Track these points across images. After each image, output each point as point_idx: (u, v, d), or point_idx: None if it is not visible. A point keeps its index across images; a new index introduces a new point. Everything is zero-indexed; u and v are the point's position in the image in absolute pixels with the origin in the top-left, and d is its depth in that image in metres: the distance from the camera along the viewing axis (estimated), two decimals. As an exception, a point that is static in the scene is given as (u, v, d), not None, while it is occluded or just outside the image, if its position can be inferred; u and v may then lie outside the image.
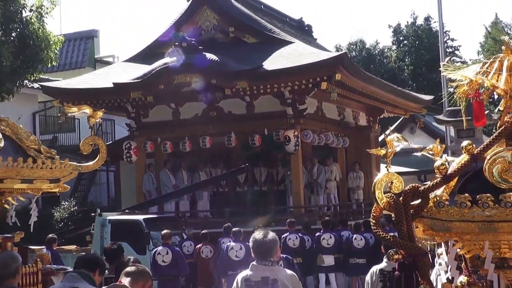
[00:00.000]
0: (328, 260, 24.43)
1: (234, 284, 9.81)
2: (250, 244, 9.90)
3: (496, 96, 6.53)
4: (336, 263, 24.17)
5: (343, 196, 36.54)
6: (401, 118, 43.63)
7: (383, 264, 12.41)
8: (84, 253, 8.93)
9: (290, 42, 33.24)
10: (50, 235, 22.26)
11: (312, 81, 30.21)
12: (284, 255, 13.60)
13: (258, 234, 9.68)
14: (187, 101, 32.72)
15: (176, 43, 31.80)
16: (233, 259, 22.14)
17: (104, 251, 13.24)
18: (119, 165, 36.76)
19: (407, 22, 79.04)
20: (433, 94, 43.56)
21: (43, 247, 18.61)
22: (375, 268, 12.65)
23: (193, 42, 31.53)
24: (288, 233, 24.45)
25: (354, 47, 74.98)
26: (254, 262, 9.56)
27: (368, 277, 12.75)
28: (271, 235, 9.70)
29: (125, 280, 7.63)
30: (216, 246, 24.50)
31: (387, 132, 6.73)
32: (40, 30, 25.36)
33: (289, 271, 9.95)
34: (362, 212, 32.45)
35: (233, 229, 23.86)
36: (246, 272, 9.58)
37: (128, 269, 7.92)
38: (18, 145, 9.85)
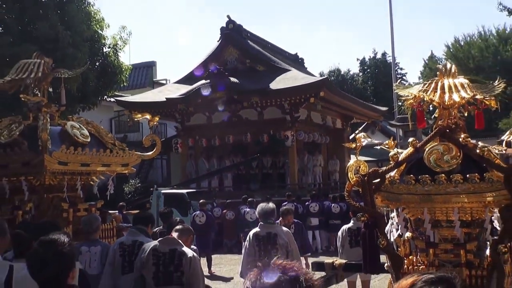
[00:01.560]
0: (314, 221, 24.41)
1: (248, 237, 9.96)
2: (257, 210, 10.15)
3: (431, 108, 6.49)
4: (320, 224, 24.13)
5: (325, 177, 36.46)
6: (365, 123, 43.47)
7: (350, 224, 12.39)
8: (139, 212, 8.95)
9: (288, 70, 33.22)
10: (121, 203, 22.24)
11: (304, 97, 30.32)
12: (296, 220, 13.62)
13: (262, 204, 10.32)
14: (217, 111, 32.68)
15: (210, 71, 31.98)
16: (248, 220, 22.17)
17: (159, 214, 13.22)
18: (169, 155, 36.76)
19: (370, 56, 78.95)
20: (388, 106, 43.49)
21: (117, 211, 18.57)
22: (345, 227, 12.63)
23: (221, 69, 31.65)
24: (286, 203, 24.38)
25: (333, 73, 74.90)
26: (261, 222, 9.88)
27: (339, 233, 12.73)
28: (271, 204, 10.22)
29: (174, 234, 7.62)
30: (236, 211, 24.52)
31: (356, 132, 6.73)
32: (115, 61, 25.37)
33: (285, 228, 10.29)
34: (338, 188, 32.32)
35: (249, 199, 23.90)
36: (256, 229, 9.96)
37: (177, 226, 7.93)
38: (100, 140, 9.83)
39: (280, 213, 11.08)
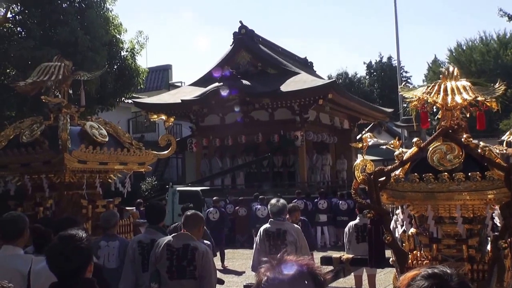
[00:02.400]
0: (323, 217, 24.44)
1: (259, 233, 9.98)
2: (268, 207, 10.18)
3: (435, 109, 6.47)
4: (328, 220, 24.15)
5: (333, 175, 36.42)
6: (371, 124, 43.45)
7: (357, 220, 12.38)
8: (149, 207, 8.93)
9: (298, 73, 33.21)
10: (138, 200, 22.31)
11: (313, 99, 30.38)
12: (303, 218, 13.59)
13: (273, 201, 10.23)
14: (230, 112, 32.73)
15: (223, 74, 32.05)
16: (260, 217, 22.15)
17: (181, 209, 13.13)
18: (184, 154, 36.78)
19: (376, 60, 78.76)
20: (393, 107, 43.42)
21: (134, 208, 18.60)
22: (352, 223, 12.63)
23: (234, 73, 31.72)
24: (296, 200, 24.35)
25: (341, 76, 74.78)
26: (271, 219, 9.91)
27: (346, 229, 12.73)
28: (282, 201, 10.19)
29: (184, 227, 7.57)
30: (248, 208, 24.55)
31: (363, 132, 6.73)
32: (133, 64, 25.41)
33: (295, 225, 10.19)
34: (345, 186, 32.19)
35: (260, 197, 23.90)
36: (267, 225, 10.01)
37: (184, 216, 7.85)
38: (117, 140, 9.85)
39: (287, 210, 11.07)
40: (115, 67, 24.68)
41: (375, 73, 77.63)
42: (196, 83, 35.16)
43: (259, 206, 23.15)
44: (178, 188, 26.80)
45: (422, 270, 2.48)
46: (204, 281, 7.32)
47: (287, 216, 11.08)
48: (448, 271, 2.45)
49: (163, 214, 9.11)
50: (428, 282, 2.35)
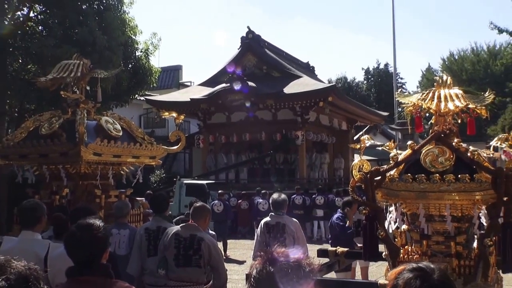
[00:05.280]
0: (320, 212, 24.48)
1: (260, 225, 10.03)
2: (270, 201, 10.17)
3: (428, 114, 6.48)
4: (324, 215, 24.11)
5: (330, 173, 36.50)
6: (368, 126, 43.38)
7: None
8: (153, 198, 8.94)
9: (300, 76, 33.29)
10: (148, 191, 22.34)
11: (314, 101, 30.53)
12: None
13: (274, 195, 10.25)
14: (235, 111, 32.85)
15: (230, 75, 32.09)
16: (261, 210, 22.20)
17: (189, 204, 13.13)
18: (191, 149, 36.87)
19: (373, 66, 78.90)
20: (388, 111, 43.42)
21: (143, 198, 18.63)
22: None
23: (240, 75, 31.75)
24: (295, 195, 24.55)
25: (340, 81, 74.90)
26: (272, 213, 9.96)
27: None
28: (282, 196, 10.17)
29: (192, 218, 7.60)
30: (250, 201, 24.57)
31: (360, 134, 6.75)
32: (146, 64, 25.38)
33: (293, 219, 10.13)
34: (342, 183, 32.33)
35: (262, 191, 23.94)
36: (267, 219, 10.05)
37: (192, 208, 7.87)
38: (130, 134, 9.85)
39: (286, 204, 10.99)
40: (129, 66, 24.67)
41: (372, 79, 77.73)
42: (205, 83, 35.25)
43: (260, 200, 23.24)
44: (185, 181, 26.90)
45: (408, 265, 2.55)
46: (217, 269, 7.41)
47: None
48: (432, 266, 2.53)
49: (166, 204, 9.12)
50: (413, 274, 2.40)
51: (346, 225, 11.38)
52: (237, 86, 31.04)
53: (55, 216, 6.97)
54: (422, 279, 2.36)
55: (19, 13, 23.09)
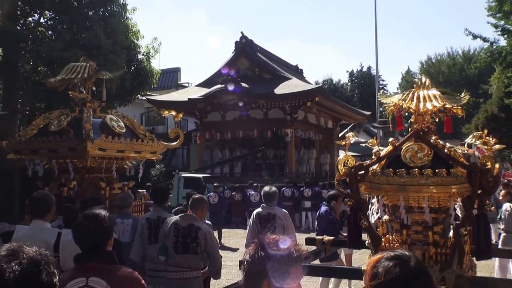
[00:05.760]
0: (307, 204, 24.47)
1: (252, 216, 10.05)
2: (261, 193, 10.18)
3: (407, 114, 6.50)
4: (312, 206, 24.11)
5: (317, 168, 36.53)
6: (352, 124, 43.47)
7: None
8: (155, 189, 8.94)
9: (290, 78, 33.30)
10: (148, 184, 22.30)
11: (302, 101, 30.61)
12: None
13: (266, 188, 10.25)
14: (230, 110, 32.84)
15: (225, 77, 32.10)
16: (252, 201, 22.23)
17: (186, 195, 13.02)
18: (189, 145, 36.77)
19: (357, 69, 78.96)
20: (371, 111, 43.53)
21: (144, 190, 18.61)
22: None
23: (234, 76, 31.77)
24: (285, 188, 24.54)
25: (326, 82, 74.99)
26: (263, 204, 9.98)
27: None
28: (273, 188, 10.19)
29: (191, 208, 7.62)
30: (243, 194, 24.58)
31: (345, 131, 6.76)
32: (147, 66, 25.37)
33: (283, 210, 10.14)
34: (327, 177, 32.35)
35: (254, 184, 23.96)
36: (259, 210, 10.06)
37: (192, 198, 7.90)
38: (133, 131, 9.85)
39: (277, 196, 10.97)
40: (132, 68, 24.67)
41: (356, 81, 77.81)
42: (201, 84, 35.24)
43: (252, 192, 23.27)
44: (183, 175, 26.83)
45: (385, 253, 2.53)
46: (213, 256, 7.45)
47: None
48: (407, 253, 2.52)
49: (167, 195, 9.15)
50: (392, 262, 2.39)
51: (334, 218, 11.38)
52: (231, 87, 31.09)
53: (65, 207, 7.01)
54: (401, 267, 2.37)
55: (30, 19, 23.15)
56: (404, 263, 2.38)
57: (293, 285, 2.65)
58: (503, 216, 12.55)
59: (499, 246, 11.88)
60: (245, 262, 2.69)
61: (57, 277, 2.28)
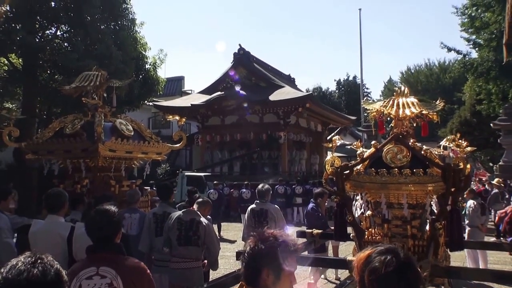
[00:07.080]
0: (299, 200, 24.39)
1: (247, 211, 10.10)
2: (256, 191, 10.18)
3: (389, 119, 6.50)
4: (303, 202, 24.06)
5: (307, 167, 36.50)
6: (339, 128, 43.43)
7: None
8: (161, 186, 8.95)
9: (283, 86, 33.25)
10: (152, 182, 22.23)
11: (294, 107, 30.53)
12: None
13: (260, 186, 10.28)
14: (229, 115, 32.80)
15: (225, 85, 32.10)
16: (244, 198, 22.12)
17: (187, 192, 13.03)
18: (192, 147, 36.77)
19: (344, 78, 79.17)
20: (356, 116, 43.55)
21: (149, 187, 18.57)
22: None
23: (233, 84, 31.91)
24: (278, 185, 24.47)
25: (316, 90, 75.10)
26: (257, 200, 10.05)
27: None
28: (266, 186, 10.24)
29: (195, 206, 7.66)
30: (239, 191, 24.60)
31: (332, 134, 6.74)
32: (154, 75, 25.39)
33: (275, 205, 10.17)
34: (317, 176, 32.31)
35: (245, 182, 23.86)
36: (253, 205, 10.11)
37: (198, 200, 7.95)
38: (140, 134, 9.82)
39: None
40: (140, 77, 24.68)
41: (343, 89, 77.96)
42: (203, 91, 35.13)
43: (244, 190, 23.19)
44: (186, 173, 26.80)
45: (374, 248, 2.48)
46: (210, 248, 7.45)
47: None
48: (394, 247, 2.49)
49: (171, 192, 9.15)
50: (389, 255, 2.37)
51: (320, 215, 11.35)
52: (230, 94, 31.09)
53: (87, 203, 7.13)
54: (396, 259, 2.36)
55: (48, 32, 23.13)
56: (397, 255, 2.37)
57: (290, 274, 2.66)
58: (467, 212, 12.57)
59: (465, 239, 11.91)
60: (246, 254, 2.69)
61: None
